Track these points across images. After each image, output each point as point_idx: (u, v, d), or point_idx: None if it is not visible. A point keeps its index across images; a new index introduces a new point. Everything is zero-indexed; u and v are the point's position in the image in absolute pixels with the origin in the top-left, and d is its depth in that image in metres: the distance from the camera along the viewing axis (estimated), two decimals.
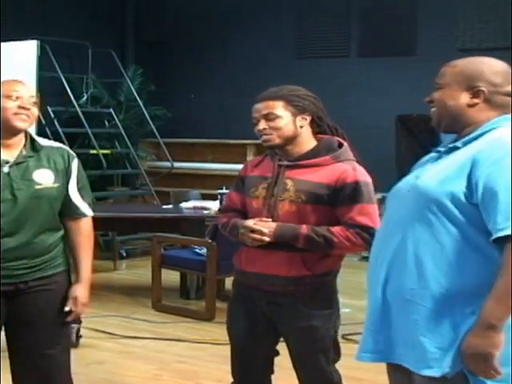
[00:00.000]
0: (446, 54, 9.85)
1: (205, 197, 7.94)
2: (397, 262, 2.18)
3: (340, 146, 2.96)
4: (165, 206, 7.32)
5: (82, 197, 3.01)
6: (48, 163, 2.91)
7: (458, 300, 2.08)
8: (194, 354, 5.14)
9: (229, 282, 6.76)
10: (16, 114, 2.84)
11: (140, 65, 10.01)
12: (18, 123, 2.85)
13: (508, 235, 1.99)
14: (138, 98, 9.52)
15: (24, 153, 2.88)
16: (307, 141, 2.95)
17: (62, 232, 3.00)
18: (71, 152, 3.04)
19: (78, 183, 2.99)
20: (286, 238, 2.85)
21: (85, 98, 9.39)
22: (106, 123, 9.74)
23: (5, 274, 2.84)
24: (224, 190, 6.97)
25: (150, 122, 9.50)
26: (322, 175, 2.87)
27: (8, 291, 2.87)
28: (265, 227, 2.86)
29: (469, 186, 2.08)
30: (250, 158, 9.58)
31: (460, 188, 2.09)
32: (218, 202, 6.91)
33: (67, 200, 2.97)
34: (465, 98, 2.23)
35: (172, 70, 10.18)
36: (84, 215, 3.02)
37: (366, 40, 9.11)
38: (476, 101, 2.22)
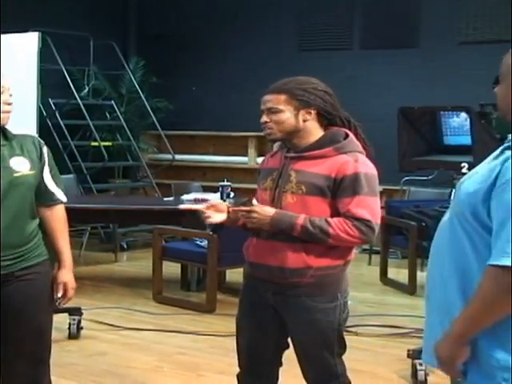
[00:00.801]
0: (448, 47, 9.84)
1: (206, 189, 7.94)
2: (436, 269, 2.14)
3: (346, 137, 2.94)
4: (166, 198, 7.32)
5: (56, 183, 3.03)
6: (21, 151, 2.91)
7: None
8: (195, 345, 5.15)
9: (230, 274, 6.77)
10: (5, 111, 2.84)
11: (142, 57, 10.00)
12: (5, 120, 2.86)
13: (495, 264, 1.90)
14: (139, 90, 9.52)
15: None
16: (313, 133, 2.94)
17: (38, 220, 3.00)
18: (40, 139, 3.04)
19: (50, 170, 3.01)
20: (282, 226, 2.86)
21: (86, 90, 9.38)
22: (108, 115, 9.73)
23: None
24: (225, 183, 6.97)
25: (152, 114, 9.49)
26: (324, 167, 2.87)
27: None
28: (262, 212, 2.88)
29: (486, 198, 1.96)
30: (251, 150, 9.60)
31: (480, 199, 1.97)
32: (218, 194, 6.91)
33: (43, 187, 2.98)
34: None
35: (174, 63, 10.16)
36: (60, 201, 3.05)
37: (369, 32, 9.09)
38: None
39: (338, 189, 2.84)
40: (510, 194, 1.90)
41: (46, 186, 2.98)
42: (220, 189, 6.92)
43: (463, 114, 7.66)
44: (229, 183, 7.02)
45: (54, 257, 3.07)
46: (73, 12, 9.46)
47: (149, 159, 10.06)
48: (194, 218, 6.76)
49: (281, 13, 9.61)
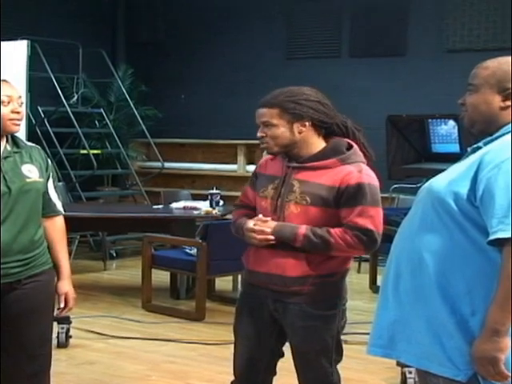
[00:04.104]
0: (435, 55, 9.88)
1: (195, 197, 7.93)
2: (407, 259, 2.20)
3: (349, 147, 2.93)
4: (155, 206, 7.32)
5: (58, 195, 3.10)
6: (31, 160, 2.98)
7: (460, 300, 2.09)
8: (184, 354, 5.14)
9: (219, 283, 6.77)
10: (11, 119, 2.90)
11: (130, 65, 10.00)
12: (13, 128, 2.93)
13: (500, 238, 1.99)
14: (128, 98, 9.51)
15: (8, 148, 2.94)
16: (313, 143, 2.92)
17: (43, 228, 3.05)
18: (44, 153, 3.13)
19: (53, 181, 3.08)
20: (284, 238, 2.86)
21: (75, 97, 9.37)
22: (97, 123, 9.73)
23: (1, 273, 2.85)
24: (214, 190, 6.98)
25: (141, 122, 9.48)
26: (327, 177, 2.86)
27: (1, 290, 2.88)
28: (265, 227, 2.88)
29: (472, 187, 2.08)
30: (240, 158, 9.61)
31: (465, 189, 2.09)
32: (208, 202, 6.92)
33: (46, 198, 3.04)
34: (497, 102, 2.20)
35: (162, 71, 10.17)
36: (60, 213, 3.12)
37: (357, 41, 9.13)
38: (508, 103, 2.19)
39: (341, 198, 2.83)
40: (503, 176, 2.03)
41: (49, 197, 3.05)
42: (209, 197, 6.92)
43: (451, 122, 7.71)
44: (218, 191, 7.03)
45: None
46: (62, 20, 9.46)
47: (138, 167, 10.05)
48: (183, 226, 6.79)
49: (269, 20, 9.63)
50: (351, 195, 2.82)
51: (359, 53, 9.07)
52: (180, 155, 10.12)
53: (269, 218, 2.90)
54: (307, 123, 2.89)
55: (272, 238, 2.87)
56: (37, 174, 2.96)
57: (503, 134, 2.17)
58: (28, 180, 2.92)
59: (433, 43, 8.62)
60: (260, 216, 2.93)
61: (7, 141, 2.95)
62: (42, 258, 3.00)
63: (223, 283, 6.84)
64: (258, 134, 2.93)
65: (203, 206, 6.89)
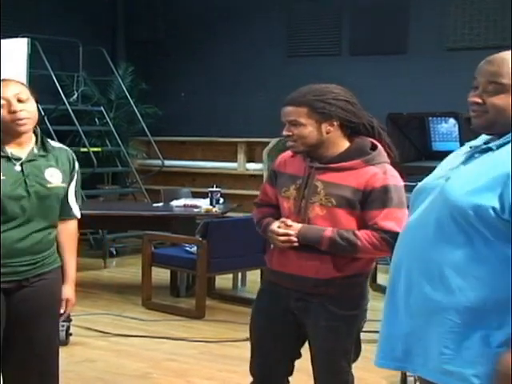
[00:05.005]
0: (436, 53, 9.88)
1: (195, 195, 7.94)
2: (421, 270, 2.08)
3: (373, 148, 2.89)
4: (155, 204, 7.32)
5: (76, 198, 3.07)
6: (57, 163, 2.95)
7: (485, 314, 1.99)
8: (184, 351, 5.14)
9: (219, 280, 6.77)
10: (12, 120, 2.84)
11: (131, 63, 9.99)
12: (19, 128, 2.86)
13: None
14: (128, 96, 9.50)
15: (35, 151, 2.91)
16: (338, 143, 2.88)
17: (57, 229, 3.03)
18: (73, 155, 3.08)
19: (75, 185, 3.05)
20: (309, 240, 2.83)
21: (75, 95, 9.37)
22: (97, 121, 9.72)
23: (9, 271, 2.85)
24: (215, 188, 6.98)
25: (141, 119, 9.48)
26: (352, 179, 2.82)
27: (9, 288, 2.88)
28: (290, 229, 2.85)
29: (501, 200, 1.95)
30: (240, 155, 9.59)
31: (490, 202, 1.96)
32: (208, 200, 6.92)
33: (65, 201, 3.01)
34: None
35: (163, 68, 10.17)
36: (74, 217, 3.09)
37: (358, 39, 9.11)
38: None
39: (367, 201, 2.80)
40: None
41: (67, 201, 3.02)
42: (209, 194, 6.92)
43: (451, 120, 7.70)
44: (218, 189, 7.03)
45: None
46: (62, 18, 9.46)
47: (138, 165, 10.04)
48: (183, 224, 6.79)
49: (269, 18, 9.62)
50: (377, 198, 2.79)
51: (360, 51, 9.06)
52: (180, 153, 10.12)
53: (293, 223, 2.86)
54: (335, 123, 2.85)
55: (295, 240, 2.83)
56: (59, 179, 2.93)
57: None
58: (49, 185, 2.90)
59: (433, 41, 8.61)
60: (284, 219, 2.89)
61: (36, 143, 2.93)
62: (51, 257, 2.99)
63: (223, 281, 6.85)
64: (284, 133, 2.88)
65: (203, 203, 6.89)
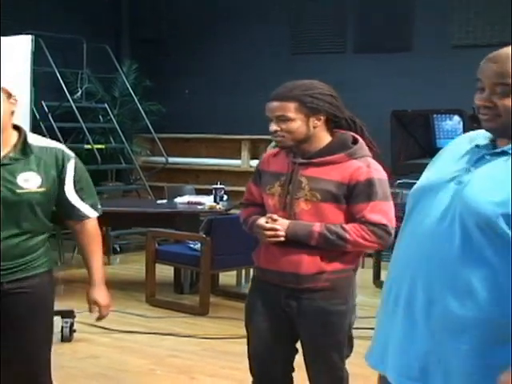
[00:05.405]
0: (441, 51, 9.85)
1: (199, 192, 7.94)
2: (445, 284, 1.94)
3: (355, 141, 2.91)
4: (159, 201, 7.32)
5: (82, 198, 2.90)
6: (37, 167, 2.76)
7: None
8: (188, 348, 5.14)
9: (223, 277, 6.77)
10: None
11: (135, 60, 10.00)
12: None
13: None
14: (132, 93, 9.51)
15: (11, 154, 2.75)
16: (322, 138, 2.90)
17: (46, 234, 2.89)
18: (68, 152, 2.86)
19: (75, 185, 2.87)
20: (298, 236, 2.83)
21: (79, 92, 9.37)
22: (101, 118, 9.73)
23: None
24: (218, 185, 6.98)
25: (145, 117, 9.49)
26: (336, 173, 2.84)
27: None
28: (277, 225, 2.86)
29: None
30: (244, 153, 9.60)
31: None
32: (212, 197, 6.92)
33: (66, 203, 2.86)
34: None
35: (167, 66, 10.17)
36: (87, 217, 2.94)
37: (362, 36, 9.11)
38: None
39: (352, 195, 2.82)
40: None
41: (69, 202, 2.87)
42: (213, 191, 6.93)
43: (456, 117, 7.70)
44: (222, 186, 7.03)
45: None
46: (66, 15, 9.46)
47: (142, 162, 10.05)
48: (187, 221, 6.79)
49: (273, 16, 9.62)
50: (362, 191, 2.81)
51: (364, 48, 9.05)
52: (184, 150, 10.12)
53: (280, 218, 2.87)
54: (322, 117, 2.87)
55: (282, 234, 2.84)
56: (36, 184, 2.74)
57: None
58: (19, 191, 2.71)
59: (438, 39, 8.60)
60: (271, 214, 2.90)
61: (15, 145, 2.75)
62: (36, 261, 2.82)
63: (227, 278, 6.85)
64: (273, 128, 2.87)
65: (207, 200, 6.89)
